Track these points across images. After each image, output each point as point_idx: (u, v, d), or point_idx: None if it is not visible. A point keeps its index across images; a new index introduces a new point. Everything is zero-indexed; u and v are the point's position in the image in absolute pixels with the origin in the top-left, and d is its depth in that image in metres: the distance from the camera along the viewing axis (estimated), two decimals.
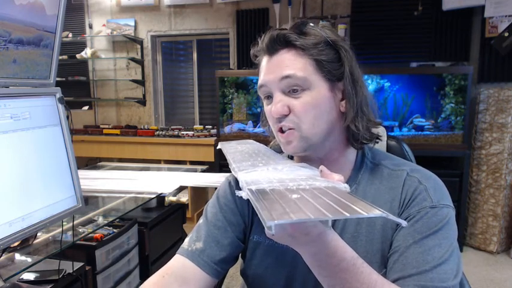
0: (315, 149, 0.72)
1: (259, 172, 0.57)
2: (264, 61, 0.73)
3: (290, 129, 0.70)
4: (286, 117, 0.69)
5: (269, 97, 0.73)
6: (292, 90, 0.69)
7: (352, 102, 0.70)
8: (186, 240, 0.78)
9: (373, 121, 0.74)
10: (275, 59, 0.70)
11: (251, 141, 0.88)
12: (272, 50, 0.70)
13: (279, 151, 0.91)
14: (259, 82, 0.73)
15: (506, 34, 2.97)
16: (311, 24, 0.71)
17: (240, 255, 0.82)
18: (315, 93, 0.68)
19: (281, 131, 0.71)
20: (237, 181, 0.79)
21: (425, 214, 0.66)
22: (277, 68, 0.69)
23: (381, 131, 0.80)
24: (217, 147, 0.82)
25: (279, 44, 0.70)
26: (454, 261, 0.63)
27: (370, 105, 0.73)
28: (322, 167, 0.56)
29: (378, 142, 0.78)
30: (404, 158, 0.85)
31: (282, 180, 0.51)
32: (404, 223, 0.43)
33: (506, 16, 3.00)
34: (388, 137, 0.96)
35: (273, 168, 0.59)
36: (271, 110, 0.71)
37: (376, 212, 0.39)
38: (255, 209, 0.41)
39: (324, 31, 0.71)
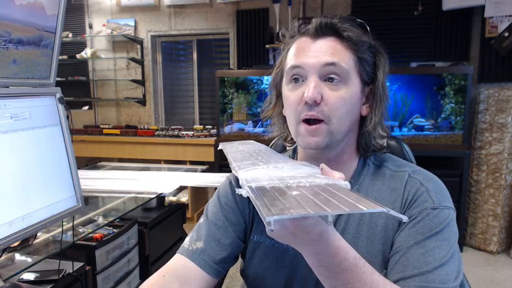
0: (332, 148, 0.70)
1: (259, 170, 0.56)
2: (302, 43, 0.69)
3: (318, 122, 0.67)
4: (316, 106, 0.66)
5: (297, 80, 0.69)
6: (329, 79, 0.66)
7: (378, 108, 0.70)
8: (187, 239, 0.78)
9: (385, 132, 0.74)
10: (320, 43, 0.68)
11: (252, 141, 0.87)
12: (319, 34, 0.68)
13: (280, 151, 0.91)
14: (293, 62, 0.68)
15: (506, 34, 2.97)
16: (359, 20, 0.71)
17: (240, 255, 0.82)
18: (349, 89, 0.67)
19: (307, 122, 0.68)
20: (237, 180, 0.79)
21: (427, 215, 0.66)
22: (320, 52, 0.67)
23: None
24: (219, 148, 0.81)
25: (328, 30, 0.68)
26: (455, 262, 0.63)
27: (385, 117, 0.73)
28: (322, 165, 0.56)
29: (385, 153, 0.78)
30: (404, 158, 0.85)
31: (282, 178, 0.50)
32: (405, 218, 0.42)
33: (506, 16, 3.00)
34: (388, 137, 0.96)
35: (273, 166, 0.59)
36: (300, 94, 0.67)
37: (377, 208, 0.39)
38: (255, 205, 0.41)
39: (369, 33, 0.71)
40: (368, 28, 0.71)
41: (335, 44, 0.67)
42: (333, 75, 0.66)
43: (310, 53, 0.67)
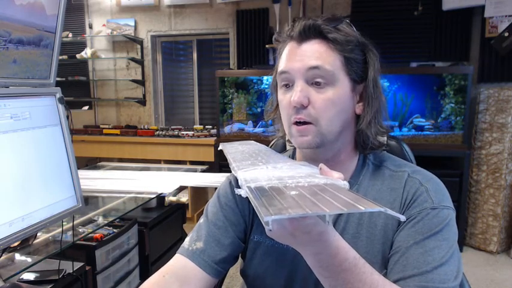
0: (327, 148, 0.71)
1: (258, 170, 0.57)
2: (290, 47, 0.71)
3: (307, 123, 0.68)
4: (304, 109, 0.67)
5: (287, 85, 0.71)
6: (316, 83, 0.67)
7: (370, 106, 0.70)
8: (187, 239, 0.78)
9: (383, 129, 0.74)
10: (305, 47, 0.69)
11: (252, 142, 0.88)
12: (303, 37, 0.69)
13: (280, 151, 0.91)
14: (281, 68, 0.70)
15: (506, 34, 2.97)
16: (346, 21, 0.71)
17: (240, 255, 0.82)
18: (337, 90, 0.68)
19: (296, 123, 0.69)
20: (237, 180, 0.80)
21: (426, 215, 0.66)
22: (305, 56, 0.68)
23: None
24: (219, 148, 0.81)
25: (312, 33, 0.68)
26: (454, 262, 0.63)
27: (383, 114, 0.73)
28: (321, 165, 0.56)
29: (384, 150, 0.78)
30: (404, 158, 0.85)
31: (281, 178, 0.50)
32: (402, 218, 0.43)
33: (506, 16, 3.00)
34: (388, 137, 0.96)
35: (272, 166, 0.59)
36: (289, 98, 0.68)
37: (375, 207, 0.39)
38: (253, 206, 0.41)
39: (356, 31, 0.71)
40: (353, 26, 0.71)
41: (319, 47, 0.68)
42: (318, 79, 0.67)
43: (296, 58, 0.69)
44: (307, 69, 0.67)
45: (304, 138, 0.69)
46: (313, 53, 0.67)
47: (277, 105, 0.78)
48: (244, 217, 0.79)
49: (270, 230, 0.45)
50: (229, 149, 0.77)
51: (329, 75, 0.66)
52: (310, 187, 0.46)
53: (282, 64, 0.71)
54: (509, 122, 2.83)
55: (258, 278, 0.78)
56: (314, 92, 0.67)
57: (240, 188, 0.50)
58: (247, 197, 0.46)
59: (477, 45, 3.21)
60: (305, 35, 0.69)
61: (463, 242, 3.09)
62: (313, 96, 0.67)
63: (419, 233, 0.65)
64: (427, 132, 3.06)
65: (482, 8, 3.05)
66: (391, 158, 0.79)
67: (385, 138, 0.80)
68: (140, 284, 0.72)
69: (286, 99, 0.70)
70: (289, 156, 0.84)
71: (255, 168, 0.58)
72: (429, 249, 0.63)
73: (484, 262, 2.85)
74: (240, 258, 0.83)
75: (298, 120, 0.68)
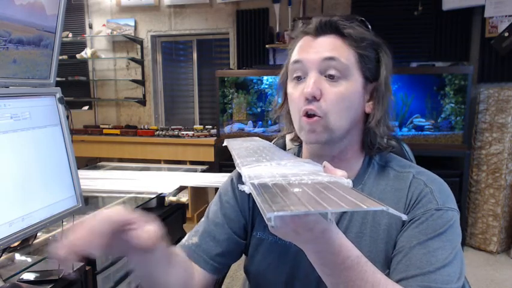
0: (334, 144, 0.71)
1: (262, 167, 0.57)
2: (305, 41, 0.71)
3: (316, 116, 0.67)
4: (316, 101, 0.67)
5: (299, 78, 0.70)
6: (329, 76, 0.67)
7: (381, 104, 0.71)
8: (186, 236, 0.80)
9: (390, 130, 0.74)
10: (321, 40, 0.69)
11: (257, 138, 0.88)
12: (319, 32, 0.69)
13: (283, 148, 0.91)
14: (295, 57, 0.70)
15: (506, 34, 2.97)
16: (362, 19, 0.72)
17: (244, 251, 0.82)
18: (350, 85, 0.67)
19: (307, 115, 0.68)
20: (239, 177, 0.80)
21: (431, 216, 0.66)
22: (321, 48, 0.68)
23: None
24: (223, 144, 0.82)
25: (328, 28, 0.69)
26: (458, 264, 0.63)
27: (390, 115, 0.74)
28: (325, 163, 0.56)
29: (390, 152, 0.78)
30: (404, 158, 0.85)
31: (284, 175, 0.50)
32: (404, 217, 0.43)
33: (506, 16, 3.01)
34: (388, 137, 0.96)
35: (276, 163, 0.59)
36: (301, 90, 0.68)
37: (377, 206, 0.38)
38: (256, 202, 0.41)
39: (370, 30, 0.72)
40: (369, 25, 0.72)
41: (335, 41, 0.68)
42: (333, 71, 0.67)
43: (310, 50, 0.69)
44: (322, 59, 0.67)
45: (313, 133, 0.68)
46: (329, 45, 0.68)
47: (283, 102, 0.78)
48: (244, 214, 0.80)
49: (273, 227, 0.45)
50: (234, 145, 0.78)
51: (344, 68, 0.67)
52: (313, 185, 0.46)
53: (295, 55, 0.71)
54: (509, 122, 2.83)
55: (260, 275, 0.78)
56: (327, 85, 0.67)
57: (243, 184, 0.50)
58: (248, 194, 0.46)
59: (477, 45, 3.21)
60: (321, 30, 0.69)
61: (463, 242, 3.07)
62: (326, 89, 0.67)
63: (423, 233, 0.64)
64: (427, 132, 3.06)
65: (482, 8, 3.05)
66: (396, 158, 0.79)
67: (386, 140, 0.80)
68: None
69: (297, 91, 0.70)
70: (294, 153, 0.84)
71: (259, 165, 0.58)
72: (433, 249, 0.63)
73: (484, 262, 2.85)
74: (243, 255, 0.83)
75: (308, 112, 0.67)
